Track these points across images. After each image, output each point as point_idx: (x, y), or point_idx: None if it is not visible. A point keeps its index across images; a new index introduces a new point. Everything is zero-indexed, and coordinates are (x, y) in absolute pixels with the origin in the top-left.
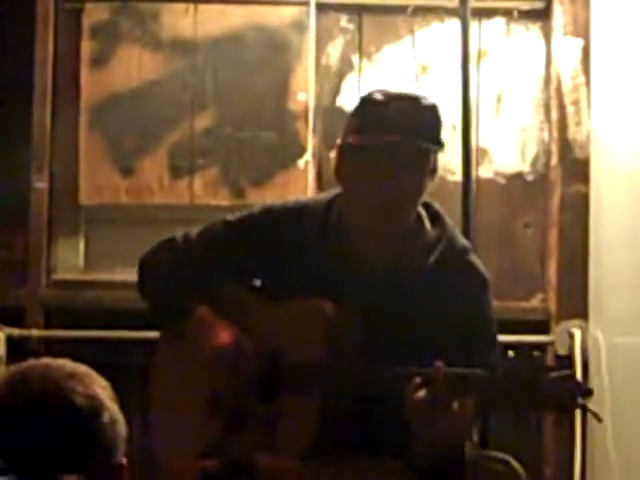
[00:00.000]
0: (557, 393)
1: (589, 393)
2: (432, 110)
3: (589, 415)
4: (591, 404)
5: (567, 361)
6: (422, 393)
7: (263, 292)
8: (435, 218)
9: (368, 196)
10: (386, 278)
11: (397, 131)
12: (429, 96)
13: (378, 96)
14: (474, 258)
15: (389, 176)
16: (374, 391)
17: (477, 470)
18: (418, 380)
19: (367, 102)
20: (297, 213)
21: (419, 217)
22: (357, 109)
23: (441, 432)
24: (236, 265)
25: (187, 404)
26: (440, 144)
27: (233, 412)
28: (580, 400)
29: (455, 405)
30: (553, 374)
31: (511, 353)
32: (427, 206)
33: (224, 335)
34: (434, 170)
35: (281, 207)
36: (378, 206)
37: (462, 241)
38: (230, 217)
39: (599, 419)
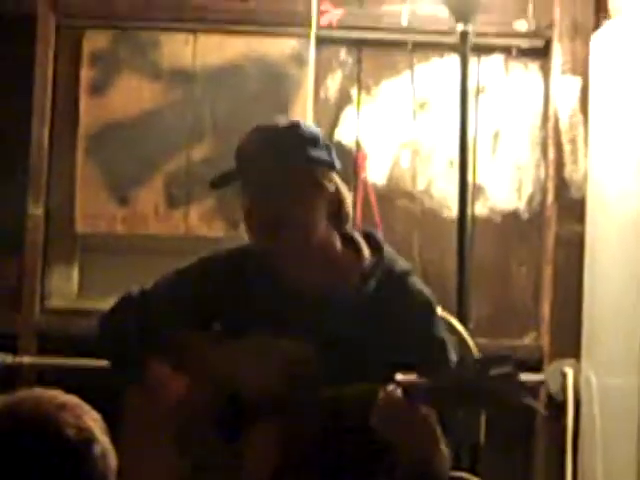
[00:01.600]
0: (500, 392)
1: (529, 392)
2: (289, 129)
3: (580, 454)
4: (583, 444)
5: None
6: (389, 404)
7: (220, 335)
8: (374, 246)
9: (253, 225)
10: (327, 308)
11: (249, 158)
12: (423, 132)
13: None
14: (415, 280)
15: (260, 200)
16: (337, 410)
17: None
18: (383, 393)
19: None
20: (242, 255)
21: (357, 246)
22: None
23: (408, 442)
24: (192, 311)
25: (156, 446)
26: (303, 159)
27: (199, 455)
28: (523, 399)
29: (418, 413)
30: (493, 372)
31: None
32: (368, 235)
33: (175, 392)
34: (316, 184)
35: (228, 251)
36: (264, 230)
37: (403, 265)
38: (181, 266)
39: (542, 411)
